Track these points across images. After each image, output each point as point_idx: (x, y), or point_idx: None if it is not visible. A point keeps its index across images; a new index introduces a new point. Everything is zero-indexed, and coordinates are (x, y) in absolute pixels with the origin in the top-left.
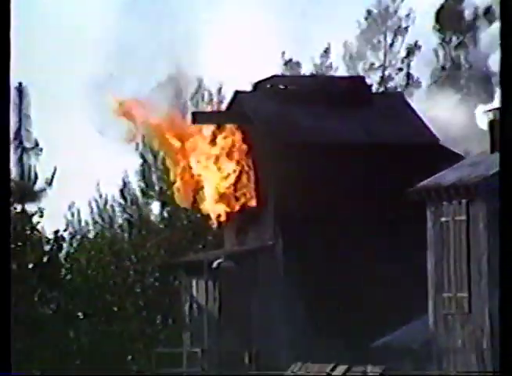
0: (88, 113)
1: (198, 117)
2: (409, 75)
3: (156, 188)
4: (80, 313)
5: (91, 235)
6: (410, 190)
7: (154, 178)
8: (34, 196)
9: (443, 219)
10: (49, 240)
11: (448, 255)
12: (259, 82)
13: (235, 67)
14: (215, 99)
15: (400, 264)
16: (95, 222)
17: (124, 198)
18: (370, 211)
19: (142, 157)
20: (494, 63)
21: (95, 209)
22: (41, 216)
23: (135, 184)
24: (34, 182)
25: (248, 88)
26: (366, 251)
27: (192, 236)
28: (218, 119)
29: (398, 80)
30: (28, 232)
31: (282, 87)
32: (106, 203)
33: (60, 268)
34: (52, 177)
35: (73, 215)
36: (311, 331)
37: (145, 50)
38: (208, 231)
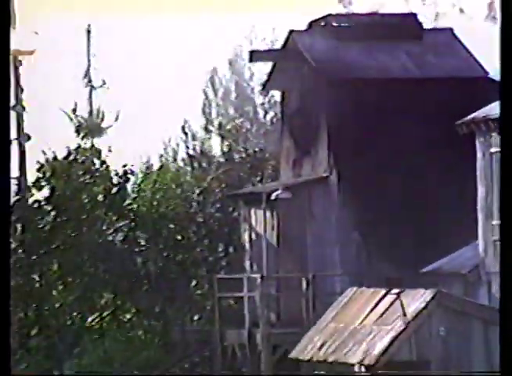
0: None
1: (255, 56)
2: (461, 10)
3: (216, 123)
4: (146, 242)
5: (156, 168)
6: (460, 122)
7: (214, 113)
8: (102, 132)
9: (492, 150)
10: (117, 173)
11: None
12: (313, 21)
13: (289, 7)
14: (270, 39)
15: (451, 193)
16: (161, 156)
17: (185, 133)
18: (421, 141)
19: (204, 93)
20: None
21: (160, 144)
22: (110, 151)
23: (197, 120)
24: (102, 119)
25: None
26: (417, 180)
27: (250, 169)
28: (273, 57)
29: (451, 16)
30: (97, 166)
31: (335, 25)
32: (169, 139)
33: (127, 199)
34: (118, 114)
35: (138, 149)
36: (365, 257)
37: None
38: (265, 164)
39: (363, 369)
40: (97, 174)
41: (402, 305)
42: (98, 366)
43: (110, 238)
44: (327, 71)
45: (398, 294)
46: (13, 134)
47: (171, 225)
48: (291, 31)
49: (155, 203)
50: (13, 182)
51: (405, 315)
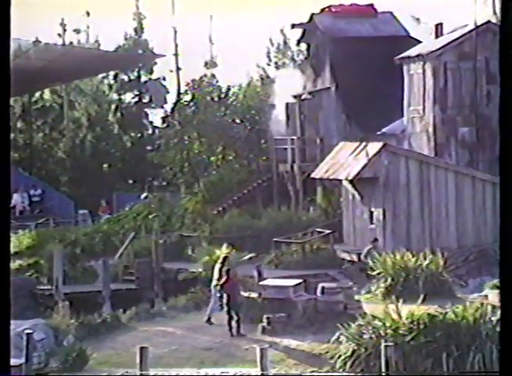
0: None
1: (295, 26)
2: None
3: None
4: (240, 120)
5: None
6: (397, 58)
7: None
8: (216, 66)
9: (411, 72)
10: (225, 86)
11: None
12: (323, 8)
13: None
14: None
15: (395, 93)
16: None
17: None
18: (380, 62)
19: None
20: None
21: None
22: (215, 79)
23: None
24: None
25: None
26: (378, 85)
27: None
28: (303, 25)
29: None
30: (214, 83)
31: (334, 10)
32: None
33: (230, 99)
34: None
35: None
36: (348, 128)
37: None
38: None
39: (347, 182)
40: (215, 87)
41: (366, 151)
42: (217, 181)
43: (222, 118)
44: (330, 33)
45: (366, 145)
46: (173, 67)
47: (253, 112)
48: (312, 14)
49: (245, 101)
50: (174, 91)
51: (367, 155)
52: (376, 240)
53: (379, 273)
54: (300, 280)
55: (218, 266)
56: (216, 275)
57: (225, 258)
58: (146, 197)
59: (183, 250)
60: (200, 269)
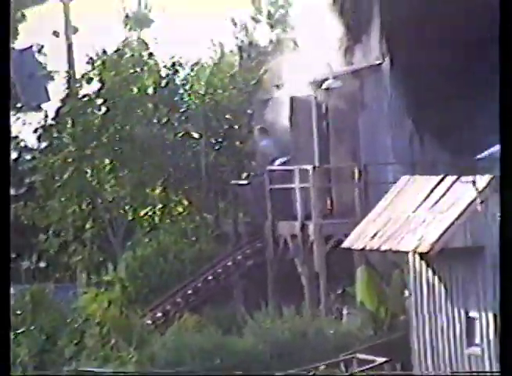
0: None
1: None
2: None
3: (265, 11)
4: (197, 134)
5: (206, 61)
6: None
7: (264, 2)
8: (150, 23)
9: None
10: (165, 65)
11: None
12: None
13: None
14: None
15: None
16: (213, 45)
17: (235, 24)
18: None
19: None
20: None
21: (208, 33)
22: (156, 43)
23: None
24: (150, 11)
25: None
26: (464, 69)
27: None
28: None
29: None
30: (145, 58)
31: None
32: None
33: (177, 92)
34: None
35: (186, 42)
36: (418, 146)
37: None
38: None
39: (417, 257)
40: (145, 67)
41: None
42: (152, 258)
43: (161, 131)
44: None
45: (455, 181)
46: (60, 26)
47: (228, 116)
48: None
49: (207, 97)
50: (62, 75)
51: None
52: None
53: None
54: None
55: None
56: None
57: None
58: None
59: None
60: None
